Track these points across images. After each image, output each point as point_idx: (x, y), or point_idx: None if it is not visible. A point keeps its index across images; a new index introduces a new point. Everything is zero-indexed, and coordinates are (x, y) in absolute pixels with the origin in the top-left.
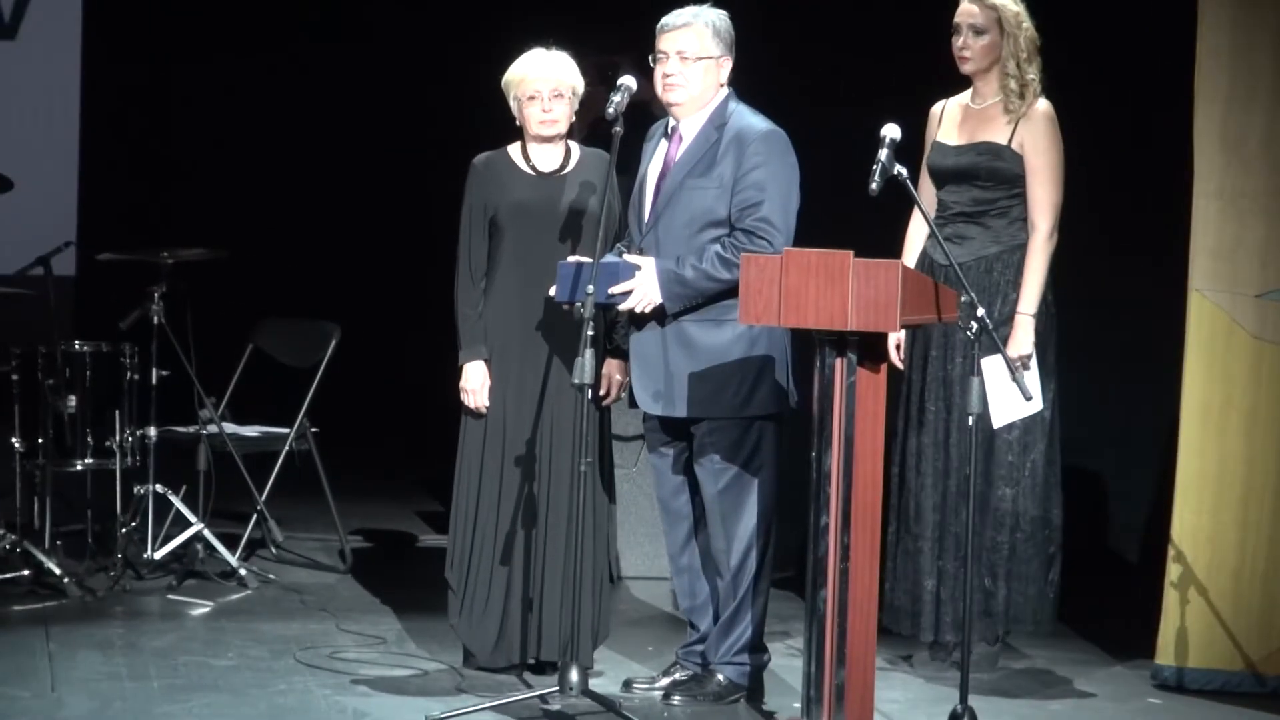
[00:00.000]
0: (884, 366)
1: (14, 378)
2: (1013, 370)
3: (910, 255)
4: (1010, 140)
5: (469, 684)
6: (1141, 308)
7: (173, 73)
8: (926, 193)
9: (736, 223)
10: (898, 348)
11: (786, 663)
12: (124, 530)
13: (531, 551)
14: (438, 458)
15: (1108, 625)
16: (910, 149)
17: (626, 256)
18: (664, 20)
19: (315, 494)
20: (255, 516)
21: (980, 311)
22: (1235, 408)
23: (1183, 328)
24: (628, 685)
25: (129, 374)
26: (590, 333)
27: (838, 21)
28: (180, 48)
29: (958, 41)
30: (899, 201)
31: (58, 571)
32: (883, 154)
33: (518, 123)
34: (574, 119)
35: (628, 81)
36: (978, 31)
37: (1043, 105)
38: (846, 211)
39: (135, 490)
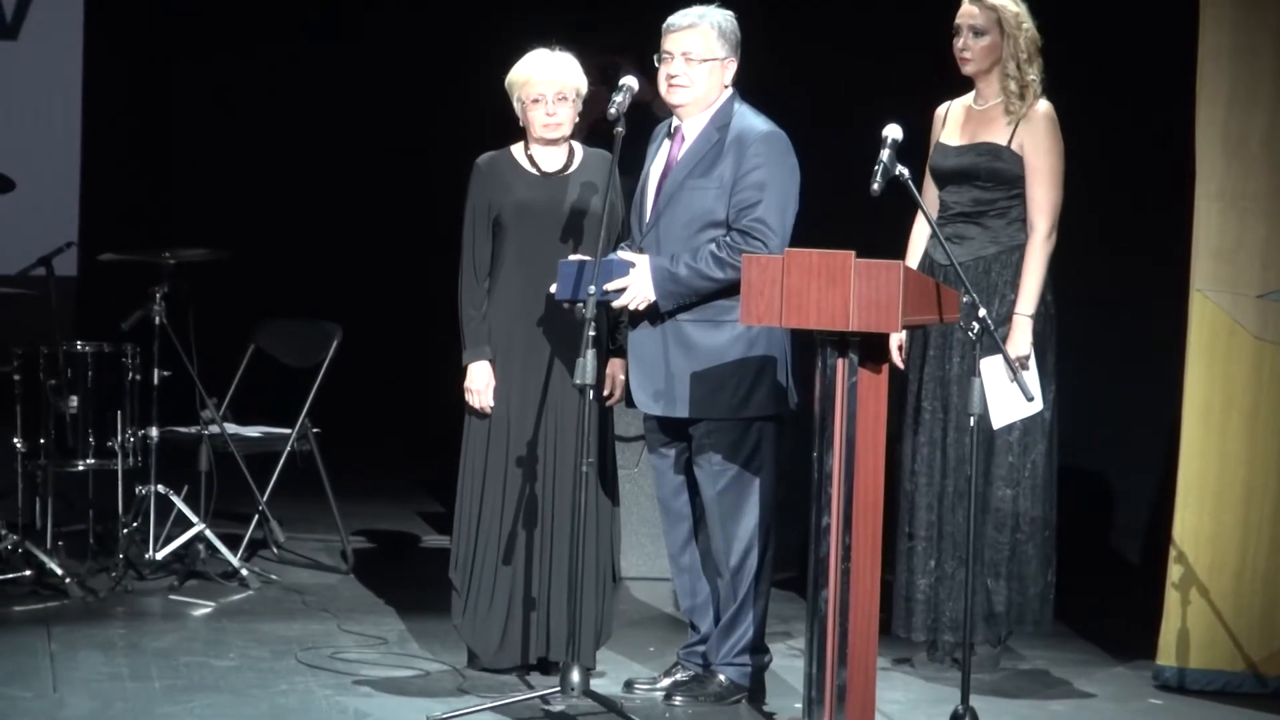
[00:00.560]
0: (885, 367)
1: (16, 378)
2: (1013, 370)
3: (913, 256)
4: (1010, 141)
5: (470, 684)
6: (1143, 308)
7: (174, 73)
8: (930, 194)
9: (733, 223)
10: (900, 348)
11: (788, 663)
12: (126, 531)
13: (535, 552)
14: (439, 458)
15: (1109, 626)
16: (912, 149)
17: (621, 254)
18: (670, 20)
19: (317, 494)
20: (257, 517)
21: (982, 312)
22: (1236, 408)
23: (1184, 328)
24: (629, 686)
25: (131, 374)
26: (592, 333)
27: (840, 21)
28: (181, 48)
29: (958, 43)
30: (901, 202)
31: (59, 572)
32: (885, 154)
33: (521, 123)
34: (577, 120)
35: (629, 82)
36: (978, 33)
37: (1043, 106)
38: (848, 212)
39: (137, 490)
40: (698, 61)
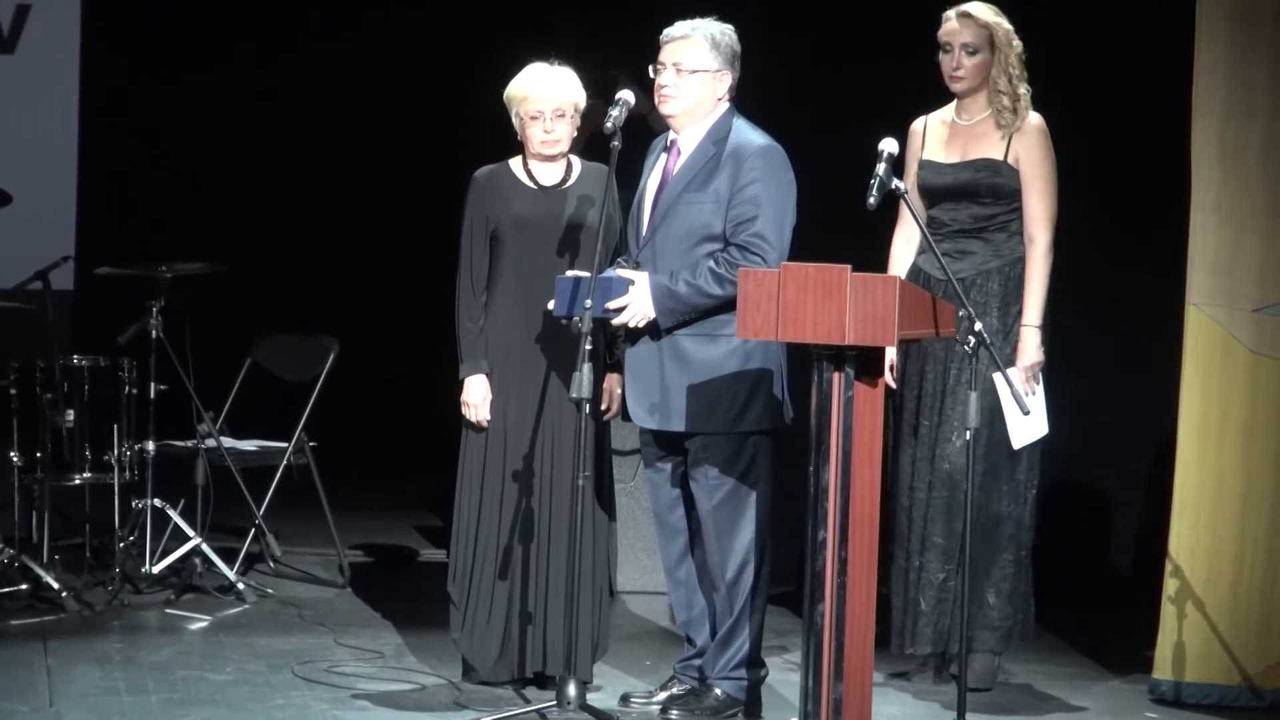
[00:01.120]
0: (881, 381)
1: (12, 392)
2: (1010, 385)
3: (898, 270)
4: (1006, 155)
5: (467, 698)
6: (1139, 322)
7: (172, 87)
8: (907, 210)
9: (731, 238)
10: (891, 368)
11: (784, 677)
12: (122, 545)
13: (533, 565)
14: (436, 472)
15: (1105, 639)
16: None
17: (620, 271)
18: (666, 31)
19: (313, 508)
20: (253, 531)
21: (978, 325)
22: (1232, 422)
23: (1180, 342)
24: (625, 700)
25: (127, 388)
26: (588, 347)
27: (837, 35)
28: (179, 62)
29: (950, 62)
30: (897, 216)
31: (56, 586)
32: (880, 169)
33: (519, 137)
34: (575, 134)
35: (626, 95)
36: (971, 51)
37: (1035, 119)
38: (844, 226)
39: (133, 504)
40: (688, 73)
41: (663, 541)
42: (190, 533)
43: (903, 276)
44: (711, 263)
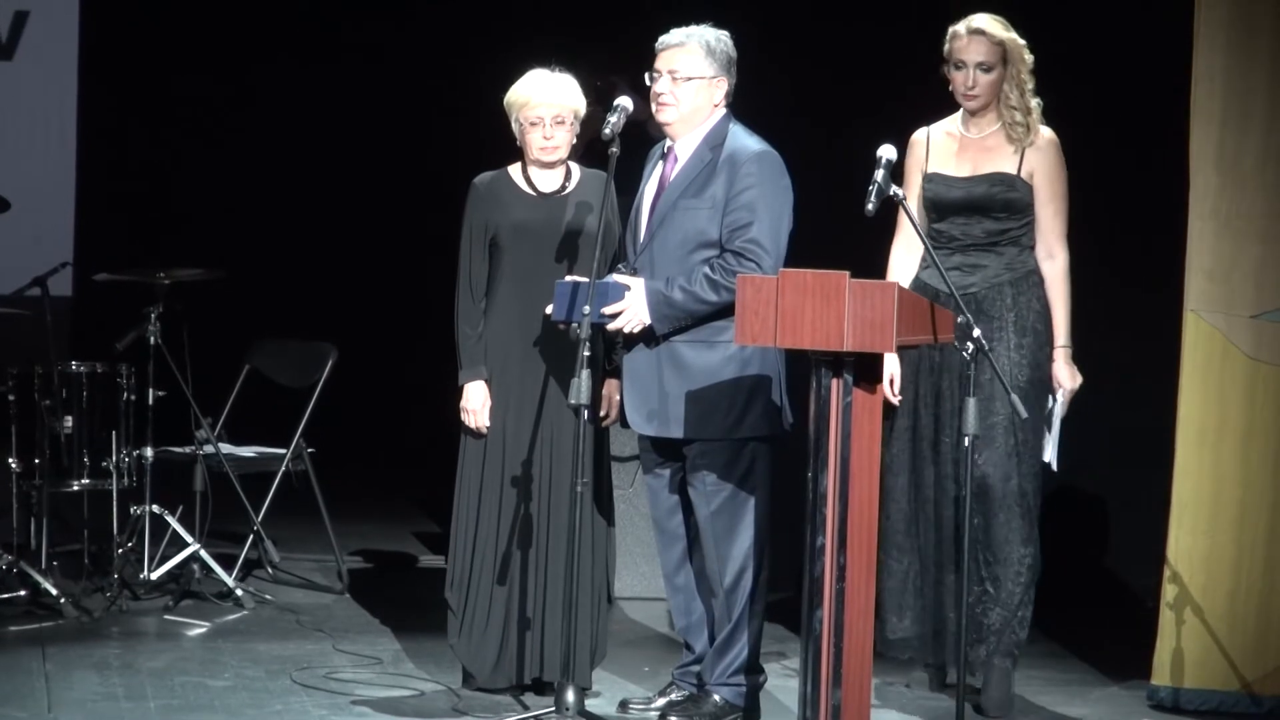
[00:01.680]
0: (880, 387)
1: (11, 398)
2: (1004, 382)
3: (899, 277)
4: (1019, 169)
5: (465, 704)
6: (1137, 329)
7: (169, 93)
8: (908, 222)
9: (726, 244)
10: (891, 382)
11: (782, 683)
12: (120, 551)
13: (531, 572)
14: (435, 478)
15: (1103, 646)
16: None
17: (617, 277)
18: (661, 38)
19: (312, 514)
20: (252, 537)
21: (976, 332)
22: (1230, 428)
23: (1178, 349)
24: (624, 706)
25: (126, 394)
26: (587, 353)
27: (834, 41)
28: (176, 68)
29: (965, 80)
30: (895, 222)
31: (54, 592)
32: (879, 175)
33: (518, 143)
34: (574, 141)
35: (624, 102)
36: (986, 69)
37: (1048, 133)
38: (842, 232)
39: (132, 511)
40: (684, 80)
41: (661, 547)
42: (189, 539)
43: (906, 285)
44: (707, 269)
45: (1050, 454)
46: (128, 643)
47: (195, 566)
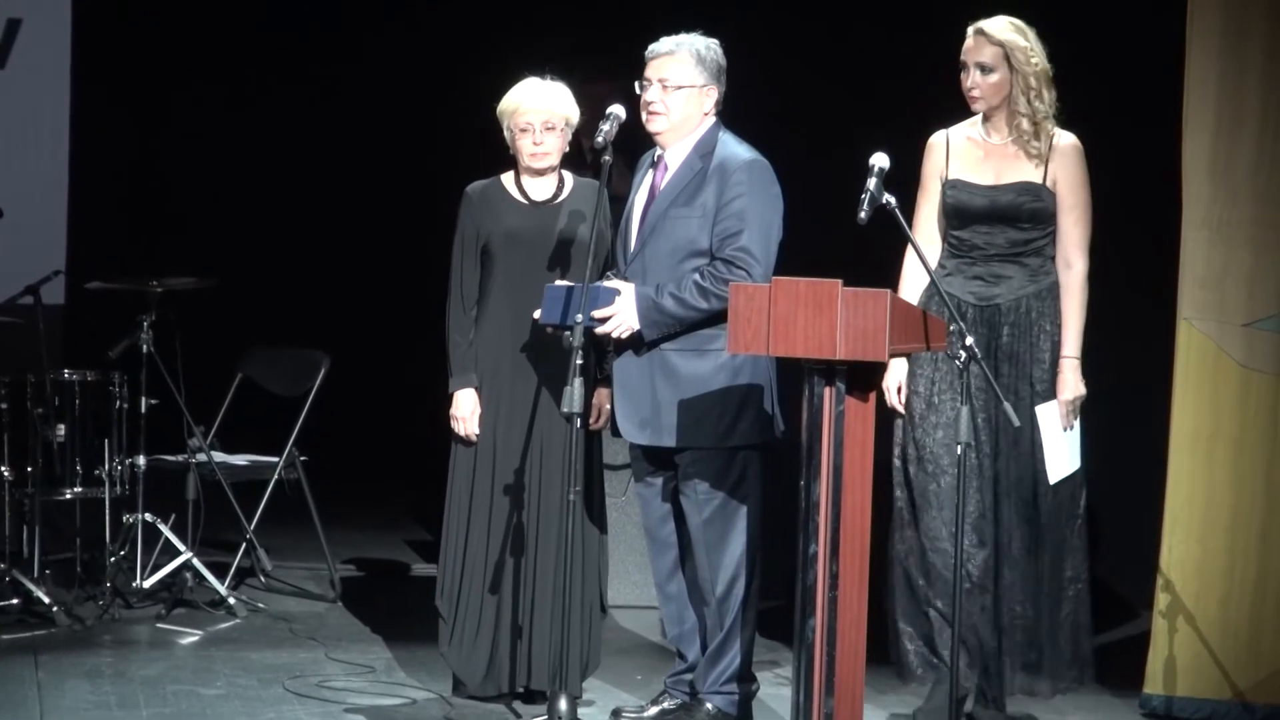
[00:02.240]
0: (873, 395)
1: (3, 406)
2: (997, 391)
3: (910, 291)
4: (1045, 179)
5: (457, 713)
6: (1130, 336)
7: (162, 102)
8: (926, 226)
9: (716, 252)
10: (899, 390)
11: (775, 691)
12: (113, 559)
13: (521, 580)
14: (428, 486)
15: (1096, 653)
16: (899, 178)
17: (608, 282)
18: (651, 47)
19: (304, 522)
20: (244, 545)
21: (969, 340)
22: (1223, 436)
23: (1171, 357)
24: (616, 715)
25: (118, 403)
26: (579, 361)
27: (827, 49)
28: (169, 77)
29: (966, 80)
30: (887, 230)
31: (46, 600)
32: (871, 183)
33: (510, 151)
34: (566, 149)
35: (617, 110)
36: (986, 69)
37: (1071, 139)
38: (834, 240)
39: (124, 519)
40: (674, 88)
41: (653, 556)
42: (181, 547)
43: (918, 296)
44: (697, 276)
45: (1053, 470)
46: (120, 651)
47: (188, 575)
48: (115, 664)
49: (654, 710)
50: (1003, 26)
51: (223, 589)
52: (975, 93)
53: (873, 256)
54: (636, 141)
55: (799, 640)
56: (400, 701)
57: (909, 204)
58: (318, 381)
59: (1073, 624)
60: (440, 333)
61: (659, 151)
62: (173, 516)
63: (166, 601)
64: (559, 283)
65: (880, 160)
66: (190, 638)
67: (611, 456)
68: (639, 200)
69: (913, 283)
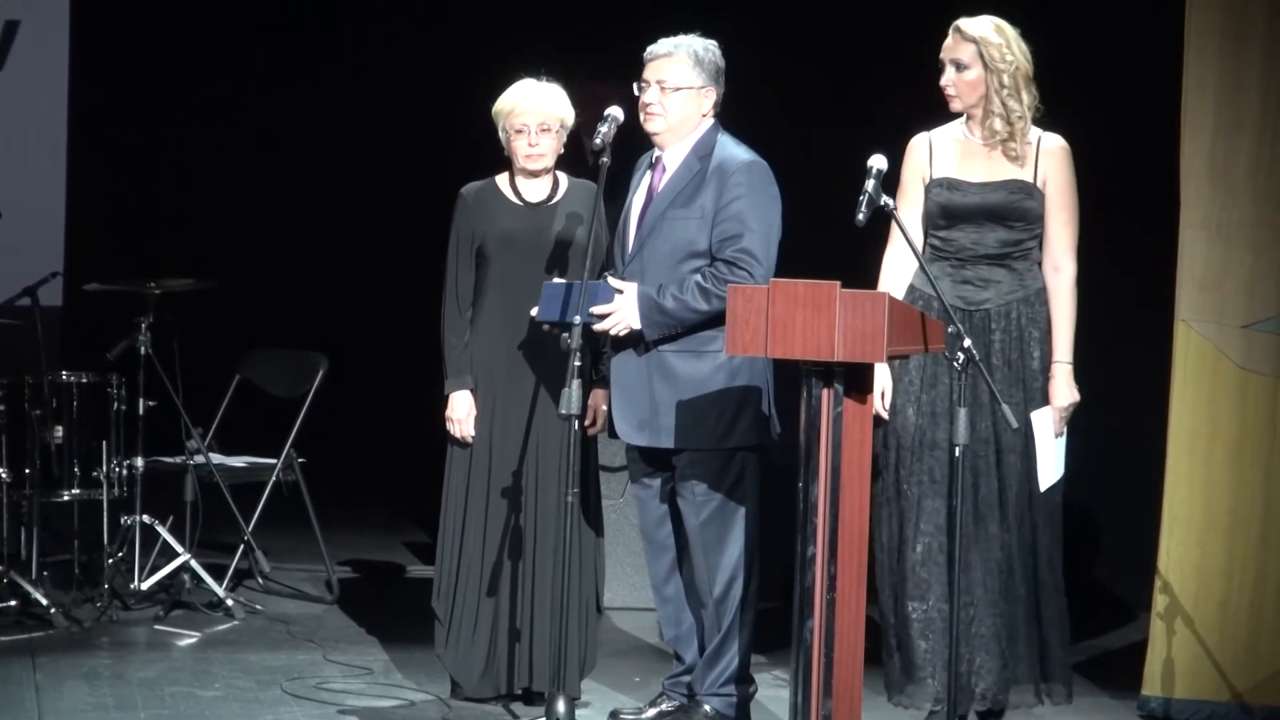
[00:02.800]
0: (871, 397)
1: (1, 408)
2: (994, 393)
3: (892, 288)
4: (1035, 178)
5: (455, 714)
6: (1128, 338)
7: (160, 103)
8: (910, 230)
9: (717, 254)
10: (883, 395)
11: (773, 693)
12: (111, 561)
13: (517, 581)
14: (425, 488)
15: (1094, 656)
16: (899, 179)
17: (608, 280)
18: (650, 48)
19: (302, 524)
20: (242, 547)
21: (967, 342)
22: (1221, 438)
23: (1169, 358)
24: (614, 716)
25: (116, 404)
26: (577, 363)
27: (826, 50)
28: (167, 78)
29: (943, 78)
30: (885, 232)
31: (44, 602)
32: (869, 185)
33: (506, 152)
34: (561, 150)
35: (615, 112)
36: (960, 67)
37: (1058, 141)
38: (832, 242)
39: (122, 520)
40: (672, 90)
41: (650, 558)
42: (179, 549)
43: (899, 296)
44: (698, 278)
45: (1044, 477)
46: (118, 653)
47: (186, 576)
48: (113, 666)
49: (652, 712)
50: (979, 23)
51: (221, 591)
52: (950, 90)
53: (872, 258)
54: (635, 143)
55: (797, 642)
56: (398, 703)
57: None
58: (316, 383)
59: (1050, 638)
60: (436, 335)
61: (657, 152)
62: (170, 518)
63: (164, 603)
64: (557, 280)
65: (878, 162)
66: (188, 639)
67: (610, 459)
68: (637, 201)
69: (890, 284)
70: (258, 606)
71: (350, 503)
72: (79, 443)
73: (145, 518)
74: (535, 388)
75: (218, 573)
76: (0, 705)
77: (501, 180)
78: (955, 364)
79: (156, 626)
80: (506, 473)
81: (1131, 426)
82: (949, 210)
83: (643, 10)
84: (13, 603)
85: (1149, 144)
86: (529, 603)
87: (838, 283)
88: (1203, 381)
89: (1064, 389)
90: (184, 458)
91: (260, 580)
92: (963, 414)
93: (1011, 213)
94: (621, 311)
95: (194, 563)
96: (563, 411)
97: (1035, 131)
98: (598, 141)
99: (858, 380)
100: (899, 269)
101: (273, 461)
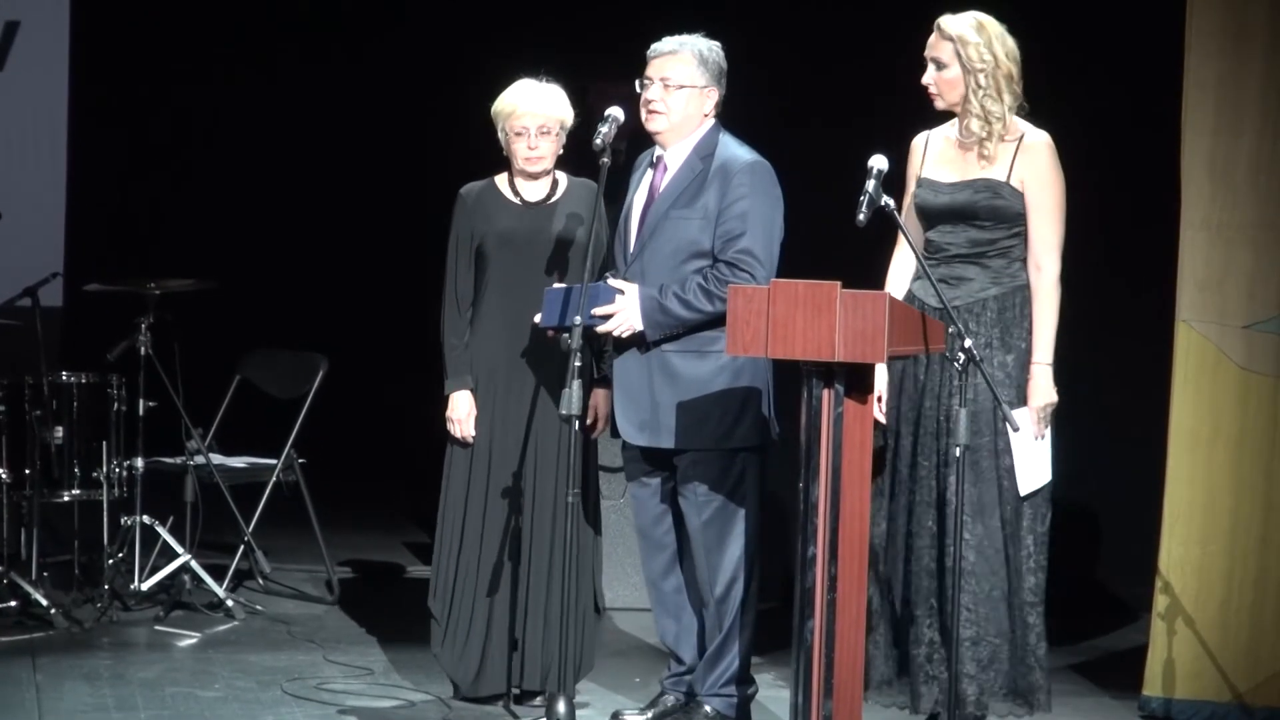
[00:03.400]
0: (871, 398)
1: (1, 408)
2: (995, 395)
3: (894, 290)
4: (1009, 176)
5: (455, 715)
6: (1129, 338)
7: (160, 104)
8: (911, 230)
9: (719, 254)
10: (879, 399)
11: (774, 694)
12: (111, 561)
13: (515, 581)
14: (425, 489)
15: (1094, 656)
16: (895, 180)
17: (610, 281)
18: (653, 46)
19: (302, 525)
20: (242, 547)
21: (968, 342)
22: (1222, 438)
23: (1170, 359)
24: (615, 717)
25: (116, 405)
26: (577, 364)
27: (827, 51)
28: (167, 79)
29: (924, 76)
30: (886, 232)
31: (44, 602)
32: (870, 185)
33: (505, 153)
34: (561, 151)
35: (615, 112)
36: (940, 65)
37: (1042, 137)
38: (833, 242)
39: (122, 521)
40: (675, 88)
41: (646, 556)
42: (179, 549)
43: (900, 298)
44: (700, 279)
45: (1023, 481)
46: (118, 653)
47: (186, 577)
48: (113, 666)
49: (652, 712)
50: (959, 21)
51: (221, 591)
52: (931, 89)
53: (873, 258)
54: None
55: (798, 642)
56: (398, 704)
57: (899, 208)
58: (316, 384)
59: (1028, 648)
60: (437, 335)
61: (658, 151)
62: (171, 519)
63: (165, 604)
64: (557, 285)
65: (879, 162)
66: (188, 640)
67: (609, 459)
68: (638, 201)
69: (894, 287)
70: (258, 607)
71: (350, 503)
72: (79, 443)
73: (145, 518)
74: (535, 388)
75: (218, 573)
76: (0, 705)
77: (501, 180)
78: (956, 364)
79: (157, 627)
80: (506, 473)
81: (1131, 426)
82: (924, 210)
83: (643, 10)
84: (13, 603)
85: (1149, 144)
86: (526, 603)
87: (838, 283)
88: (1203, 382)
89: (1041, 389)
90: (184, 458)
91: (260, 581)
92: (963, 414)
93: (979, 212)
94: (624, 312)
95: (194, 563)
96: (563, 412)
97: (1021, 127)
98: (598, 142)
99: (858, 380)
100: (901, 270)
101: (273, 462)
